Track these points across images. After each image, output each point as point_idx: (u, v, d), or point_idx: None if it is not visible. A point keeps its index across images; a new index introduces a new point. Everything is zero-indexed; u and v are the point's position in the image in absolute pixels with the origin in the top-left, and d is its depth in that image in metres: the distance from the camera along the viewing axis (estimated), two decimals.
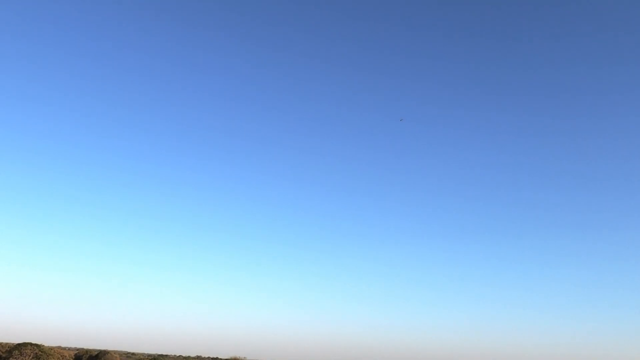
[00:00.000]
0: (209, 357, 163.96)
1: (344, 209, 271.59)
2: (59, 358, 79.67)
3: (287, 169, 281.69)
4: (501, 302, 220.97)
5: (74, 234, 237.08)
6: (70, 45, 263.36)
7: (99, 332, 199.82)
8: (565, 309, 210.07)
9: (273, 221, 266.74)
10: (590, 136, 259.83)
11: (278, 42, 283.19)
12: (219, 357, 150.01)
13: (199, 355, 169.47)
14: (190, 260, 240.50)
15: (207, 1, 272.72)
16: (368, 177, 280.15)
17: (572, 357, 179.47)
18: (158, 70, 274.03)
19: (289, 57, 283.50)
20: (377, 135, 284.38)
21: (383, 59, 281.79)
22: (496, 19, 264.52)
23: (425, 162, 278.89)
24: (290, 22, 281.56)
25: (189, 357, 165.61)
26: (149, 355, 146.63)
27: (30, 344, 76.68)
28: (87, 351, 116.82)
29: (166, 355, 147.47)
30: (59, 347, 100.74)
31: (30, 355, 74.51)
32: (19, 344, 76.77)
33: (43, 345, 78.44)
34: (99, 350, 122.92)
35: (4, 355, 76.10)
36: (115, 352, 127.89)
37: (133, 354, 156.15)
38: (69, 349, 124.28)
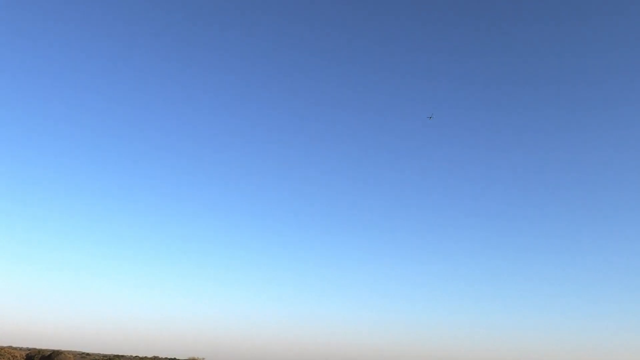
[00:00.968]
0: (166, 358, 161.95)
1: (343, 209, 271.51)
2: (9, 358, 77.65)
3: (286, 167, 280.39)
4: (501, 302, 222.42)
5: (20, 229, 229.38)
6: (70, 45, 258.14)
7: (52, 332, 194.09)
8: (565, 309, 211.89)
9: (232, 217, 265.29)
10: (591, 135, 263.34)
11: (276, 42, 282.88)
12: (177, 357, 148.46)
13: (155, 355, 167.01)
14: (146, 257, 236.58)
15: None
16: (368, 177, 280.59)
17: (572, 357, 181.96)
18: (158, 70, 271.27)
19: (287, 57, 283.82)
20: (377, 135, 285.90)
21: (383, 59, 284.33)
22: (496, 18, 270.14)
23: (423, 161, 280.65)
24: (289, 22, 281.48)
25: (145, 357, 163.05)
26: (105, 355, 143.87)
27: None
28: (39, 351, 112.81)
29: (122, 356, 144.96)
30: (10, 347, 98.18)
31: None
32: None
33: None
34: (52, 350, 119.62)
35: None
36: (69, 352, 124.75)
37: (88, 354, 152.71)
38: (20, 349, 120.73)
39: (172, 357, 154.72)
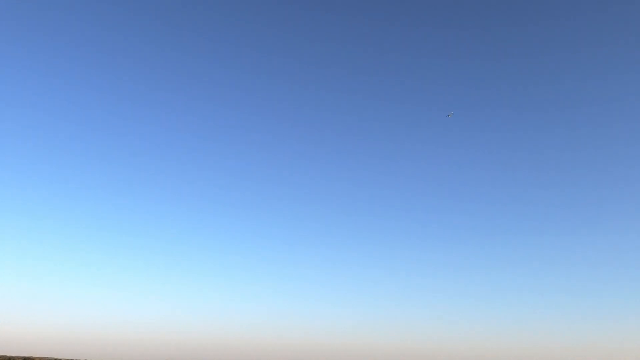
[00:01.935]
0: None
1: (342, 209, 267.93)
2: None
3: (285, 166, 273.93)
4: (501, 302, 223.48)
5: None
6: (70, 45, 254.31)
7: (23, 338, 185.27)
8: (566, 309, 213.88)
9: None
10: (590, 134, 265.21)
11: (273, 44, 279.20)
12: None
13: None
14: (116, 262, 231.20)
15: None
16: (368, 177, 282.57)
17: (572, 357, 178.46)
18: (159, 70, 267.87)
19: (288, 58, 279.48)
20: (376, 135, 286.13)
21: (382, 58, 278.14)
22: (496, 19, 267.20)
23: (422, 161, 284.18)
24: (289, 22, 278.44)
25: None
26: None
27: None
28: (10, 358, 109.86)
29: None
30: None
31: None
32: None
33: None
34: (23, 357, 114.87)
35: None
36: (40, 358, 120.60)
37: None
38: None
39: None
